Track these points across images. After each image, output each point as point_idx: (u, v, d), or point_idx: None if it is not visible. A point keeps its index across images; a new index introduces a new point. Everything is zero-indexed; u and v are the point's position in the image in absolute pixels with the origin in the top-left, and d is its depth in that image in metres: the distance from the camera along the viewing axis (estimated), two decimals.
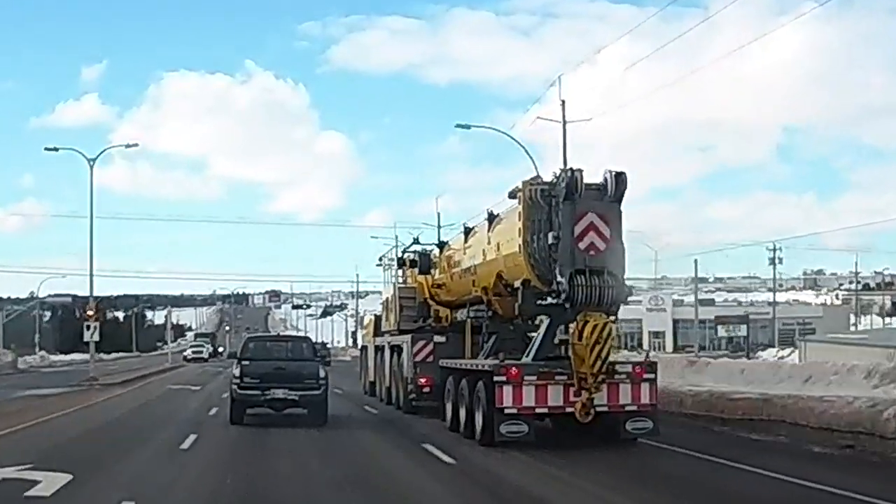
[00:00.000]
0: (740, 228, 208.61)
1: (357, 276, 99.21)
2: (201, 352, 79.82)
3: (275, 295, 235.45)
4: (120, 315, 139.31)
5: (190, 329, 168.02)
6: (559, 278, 14.40)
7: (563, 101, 31.07)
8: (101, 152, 37.60)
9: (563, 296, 14.36)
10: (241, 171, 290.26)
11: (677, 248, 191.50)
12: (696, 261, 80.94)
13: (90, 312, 37.69)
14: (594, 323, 14.14)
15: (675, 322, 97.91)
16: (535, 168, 30.81)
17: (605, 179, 14.65)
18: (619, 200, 14.69)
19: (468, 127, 34.32)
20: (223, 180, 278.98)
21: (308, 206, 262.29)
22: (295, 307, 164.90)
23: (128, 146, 42.59)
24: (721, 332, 64.45)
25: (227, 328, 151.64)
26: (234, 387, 19.12)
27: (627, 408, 14.77)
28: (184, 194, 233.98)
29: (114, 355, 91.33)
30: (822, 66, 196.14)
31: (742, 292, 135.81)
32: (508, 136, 33.01)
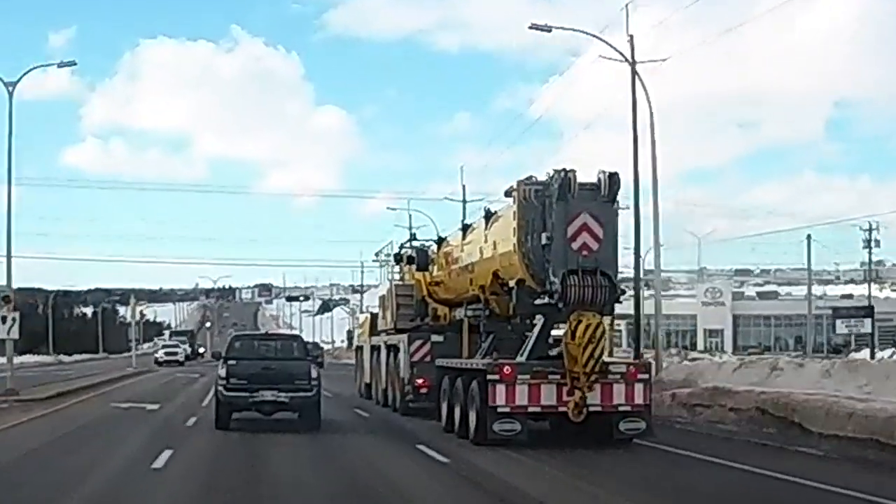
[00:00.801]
0: (785, 214, 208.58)
1: (362, 264, 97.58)
2: (176, 353, 73.85)
3: (265, 288, 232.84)
4: (89, 311, 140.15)
5: (168, 327, 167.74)
6: (552, 278, 16.02)
7: (632, 37, 28.84)
8: (25, 73, 32.53)
9: (555, 296, 16.00)
10: (228, 149, 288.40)
11: (716, 235, 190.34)
12: (808, 236, 72.95)
13: (5, 301, 30.55)
14: (587, 322, 15.79)
15: (735, 318, 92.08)
16: (648, 100, 28.19)
17: (599, 179, 16.30)
18: (613, 201, 16.40)
19: (548, 29, 29.44)
20: (208, 160, 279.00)
21: (303, 187, 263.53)
22: (290, 299, 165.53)
23: (61, 65, 40.29)
24: (841, 327, 61.74)
25: (210, 324, 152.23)
26: (220, 388, 19.57)
27: (621, 408, 16.37)
28: (165, 176, 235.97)
29: (76, 357, 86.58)
30: (879, 33, 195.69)
31: (793, 285, 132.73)
32: (598, 38, 29.28)
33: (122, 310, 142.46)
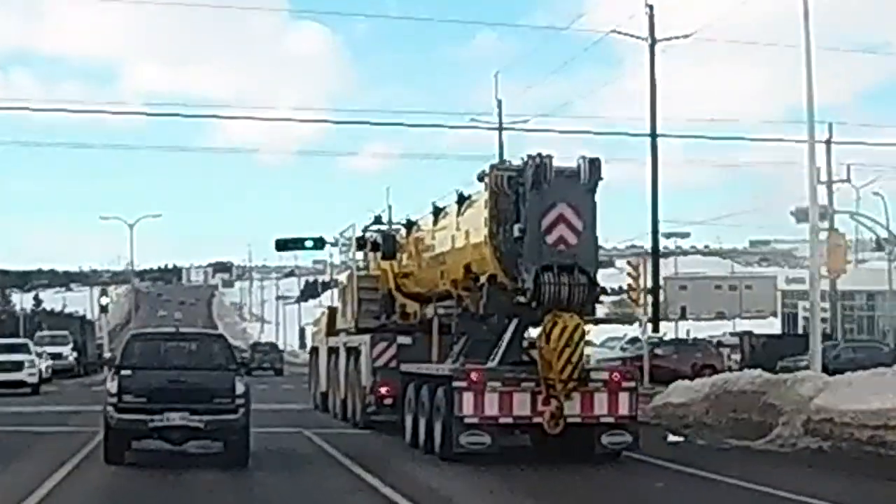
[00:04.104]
0: None
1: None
2: (19, 367, 46.21)
3: (223, 268, 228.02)
4: None
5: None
6: (524, 275, 19.23)
7: None
8: None
9: (528, 294, 19.17)
10: (172, 83, 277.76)
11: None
12: None
13: None
14: (563, 324, 18.96)
15: None
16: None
17: (578, 165, 19.47)
18: (594, 190, 19.55)
19: None
20: (146, 97, 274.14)
21: (275, 134, 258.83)
22: (282, 247, 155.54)
23: None
24: None
25: (104, 304, 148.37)
26: (110, 409, 19.06)
27: (603, 419, 19.59)
28: (86, 118, 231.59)
29: None
30: None
31: None
32: None
33: (16, 297, 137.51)
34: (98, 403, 28.10)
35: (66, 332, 68.63)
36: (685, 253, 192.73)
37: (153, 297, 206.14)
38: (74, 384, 54.57)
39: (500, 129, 54.47)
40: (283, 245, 36.72)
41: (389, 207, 32.76)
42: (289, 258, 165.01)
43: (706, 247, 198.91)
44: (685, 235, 62.14)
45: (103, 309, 72.01)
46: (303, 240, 36.30)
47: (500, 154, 51.81)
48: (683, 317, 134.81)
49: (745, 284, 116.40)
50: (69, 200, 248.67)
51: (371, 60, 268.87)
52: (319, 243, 35.25)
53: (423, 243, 25.29)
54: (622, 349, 50.27)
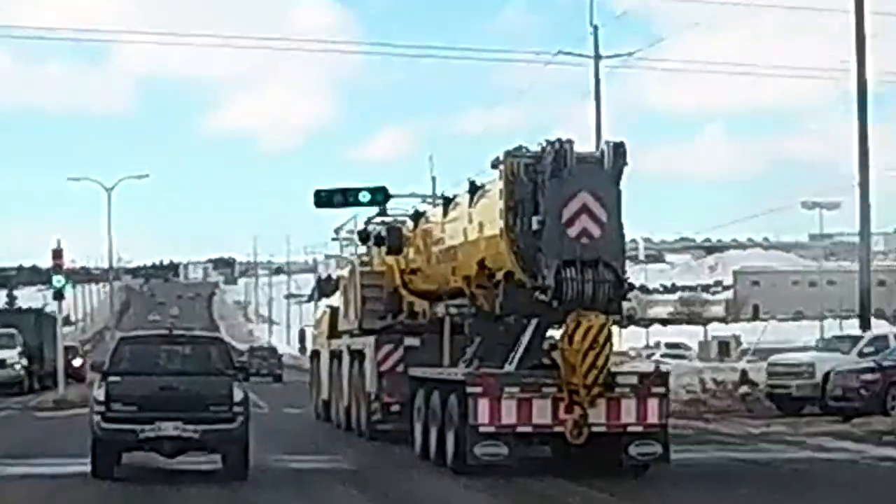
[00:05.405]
0: None
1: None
2: None
3: (224, 264, 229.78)
4: None
5: (66, 320, 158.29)
6: (544, 271, 18.82)
7: None
8: None
9: (549, 292, 18.76)
10: (167, 64, 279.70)
11: None
12: None
13: None
14: (588, 325, 18.57)
15: None
16: None
17: (602, 152, 19.14)
18: (619, 177, 19.16)
19: None
20: (137, 79, 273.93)
21: (278, 120, 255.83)
22: (330, 198, 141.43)
23: None
24: None
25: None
26: (98, 418, 18.85)
27: (630, 428, 19.22)
28: (72, 101, 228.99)
29: None
30: None
31: None
32: None
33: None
34: (30, 452, 23.86)
35: (12, 331, 53.35)
36: (744, 247, 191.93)
37: (146, 297, 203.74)
38: (17, 405, 42.17)
39: (597, 57, 51.07)
40: (326, 199, 29.17)
41: (433, 179, 31.68)
42: (297, 251, 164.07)
43: (765, 239, 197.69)
44: (834, 207, 55.98)
45: (57, 294, 47.52)
46: (356, 191, 28.57)
47: (597, 93, 49.74)
48: (756, 316, 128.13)
49: (826, 280, 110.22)
50: (56, 193, 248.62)
51: (386, 37, 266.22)
52: (380, 196, 28.15)
53: (432, 236, 24.92)
54: (861, 354, 35.44)
